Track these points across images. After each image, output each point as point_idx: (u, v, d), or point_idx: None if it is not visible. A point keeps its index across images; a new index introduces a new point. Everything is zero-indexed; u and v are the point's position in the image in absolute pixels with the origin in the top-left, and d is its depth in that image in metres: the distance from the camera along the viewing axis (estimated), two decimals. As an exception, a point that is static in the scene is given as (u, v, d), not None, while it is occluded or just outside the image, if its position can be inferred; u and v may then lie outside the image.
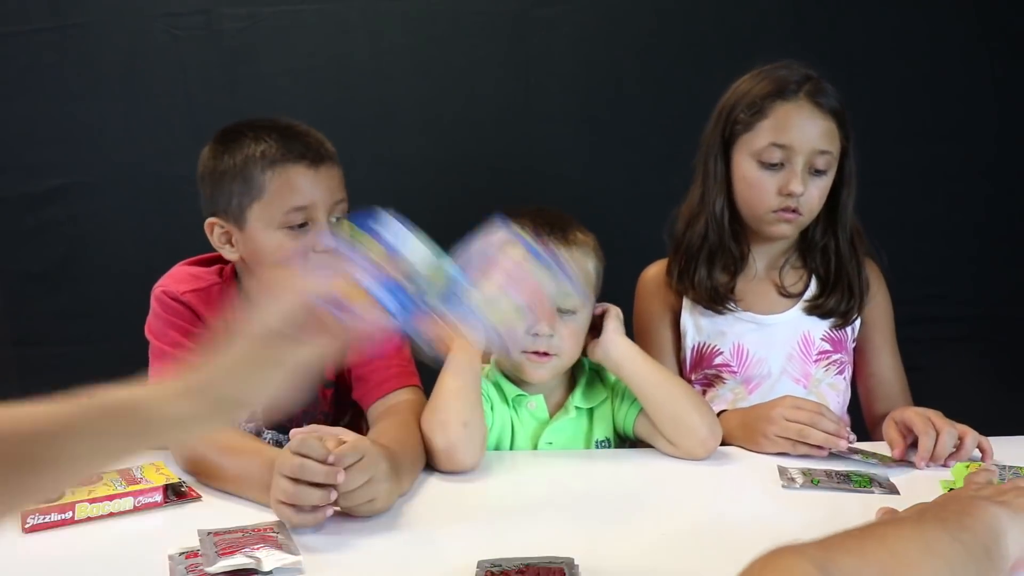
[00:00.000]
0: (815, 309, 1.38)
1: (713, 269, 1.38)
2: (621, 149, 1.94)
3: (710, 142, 1.37)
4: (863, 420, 1.45)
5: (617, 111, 1.93)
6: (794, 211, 1.30)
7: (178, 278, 1.29)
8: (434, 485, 1.10)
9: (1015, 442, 1.22)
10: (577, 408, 1.24)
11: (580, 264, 1.20)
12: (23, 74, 1.95)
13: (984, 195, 1.93)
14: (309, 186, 1.21)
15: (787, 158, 1.29)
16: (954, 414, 1.25)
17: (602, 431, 1.25)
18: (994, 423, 1.31)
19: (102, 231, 1.99)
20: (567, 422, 1.24)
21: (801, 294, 1.39)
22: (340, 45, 1.93)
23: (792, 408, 1.18)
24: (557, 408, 1.25)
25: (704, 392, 1.40)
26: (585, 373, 1.27)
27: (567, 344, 1.19)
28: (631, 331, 1.37)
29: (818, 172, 1.30)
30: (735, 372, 1.38)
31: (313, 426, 1.00)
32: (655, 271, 1.47)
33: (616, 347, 1.21)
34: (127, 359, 1.36)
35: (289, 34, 1.93)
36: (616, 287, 1.62)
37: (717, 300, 1.37)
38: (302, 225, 1.21)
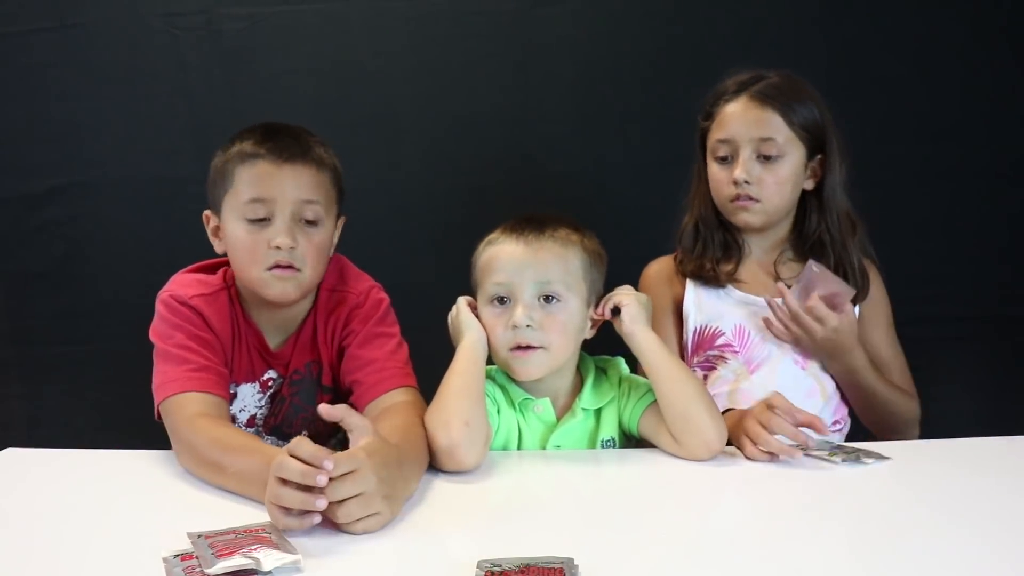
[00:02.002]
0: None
1: (711, 256, 1.47)
2: (621, 149, 1.94)
3: (697, 145, 1.50)
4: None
5: (617, 111, 1.93)
6: (750, 198, 1.40)
7: (184, 283, 1.29)
8: (435, 485, 1.09)
9: (1015, 442, 1.22)
10: (584, 410, 1.23)
11: (557, 255, 1.19)
12: (23, 74, 1.95)
13: (984, 195, 1.92)
14: (270, 180, 1.22)
15: (732, 151, 1.41)
16: (954, 414, 1.25)
17: (608, 430, 1.25)
18: (994, 423, 1.32)
19: (102, 231, 1.99)
20: (574, 424, 1.23)
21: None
22: (340, 45, 1.93)
23: (758, 416, 1.16)
24: (564, 411, 1.25)
25: (705, 377, 1.44)
26: (592, 373, 1.26)
27: (553, 336, 1.18)
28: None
29: (767, 158, 1.39)
30: (737, 352, 1.42)
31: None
32: (658, 266, 1.53)
33: (634, 337, 1.21)
34: (127, 359, 1.36)
35: (289, 34, 1.93)
36: (616, 285, 1.63)
37: (720, 277, 1.45)
38: (262, 220, 1.23)
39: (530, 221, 1.22)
